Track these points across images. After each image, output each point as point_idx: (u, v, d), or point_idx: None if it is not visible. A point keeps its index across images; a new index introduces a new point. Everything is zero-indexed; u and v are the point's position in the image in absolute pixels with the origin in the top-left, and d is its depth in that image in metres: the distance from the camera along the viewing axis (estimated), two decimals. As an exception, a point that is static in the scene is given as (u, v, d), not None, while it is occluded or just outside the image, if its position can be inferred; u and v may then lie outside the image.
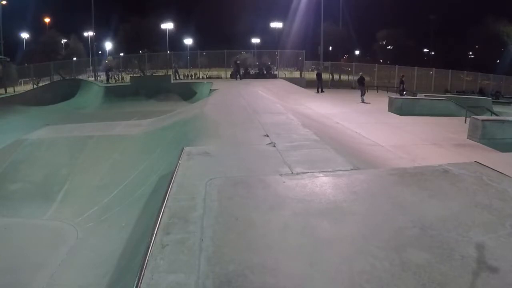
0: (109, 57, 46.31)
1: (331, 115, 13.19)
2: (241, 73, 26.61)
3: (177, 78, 29.41)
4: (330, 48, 47.04)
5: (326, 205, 3.45)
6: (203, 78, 28.76)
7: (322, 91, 24.12)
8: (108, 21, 51.91)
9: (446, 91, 28.37)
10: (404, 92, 22.11)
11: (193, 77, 31.37)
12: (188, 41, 55.08)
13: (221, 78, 29.04)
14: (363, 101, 18.62)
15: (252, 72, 29.83)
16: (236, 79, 25.40)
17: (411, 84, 30.26)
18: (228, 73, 29.18)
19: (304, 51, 32.32)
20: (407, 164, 6.85)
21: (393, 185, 4.00)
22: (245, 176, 4.33)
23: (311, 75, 33.43)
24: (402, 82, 22.70)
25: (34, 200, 6.65)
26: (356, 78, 24.56)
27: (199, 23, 60.07)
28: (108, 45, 57.08)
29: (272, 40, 49.80)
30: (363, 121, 12.28)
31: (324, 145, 5.99)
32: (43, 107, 20.19)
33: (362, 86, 19.84)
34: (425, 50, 59.44)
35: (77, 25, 50.80)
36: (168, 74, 28.65)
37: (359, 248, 2.71)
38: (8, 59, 31.66)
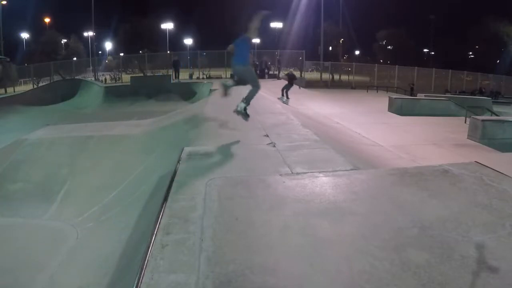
0: (109, 57, 46.30)
1: (331, 115, 13.20)
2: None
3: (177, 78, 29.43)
4: (330, 48, 47.08)
5: (326, 205, 3.45)
6: (203, 78, 28.75)
7: (287, 97, 15.69)
8: (108, 21, 52.03)
9: (446, 91, 28.40)
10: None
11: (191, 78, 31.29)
12: (188, 41, 55.14)
13: (221, 78, 29.03)
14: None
15: None
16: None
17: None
18: (228, 73, 29.12)
19: (304, 51, 32.38)
20: (407, 164, 6.85)
21: (393, 185, 4.00)
22: (245, 176, 4.33)
23: (311, 75, 33.45)
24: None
25: (34, 200, 6.63)
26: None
27: (199, 23, 60.18)
28: (108, 45, 57.19)
29: (272, 40, 49.88)
30: (363, 121, 12.28)
31: (324, 145, 5.98)
32: (43, 107, 20.16)
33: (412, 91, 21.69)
34: (425, 50, 59.51)
35: (77, 25, 51.02)
36: (168, 74, 28.66)
37: (359, 248, 2.71)
38: (8, 59, 31.71)
